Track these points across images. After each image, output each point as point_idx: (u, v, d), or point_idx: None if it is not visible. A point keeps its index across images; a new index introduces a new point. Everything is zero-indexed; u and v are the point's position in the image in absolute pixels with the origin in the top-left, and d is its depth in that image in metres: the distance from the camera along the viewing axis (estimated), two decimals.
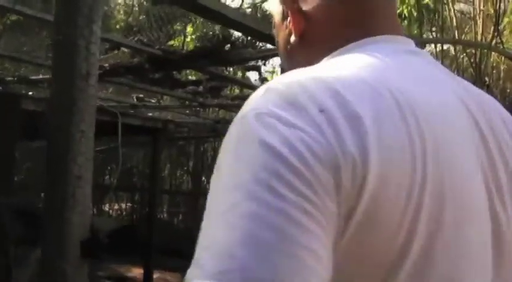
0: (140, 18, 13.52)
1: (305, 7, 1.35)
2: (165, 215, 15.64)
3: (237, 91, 8.84)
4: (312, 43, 1.37)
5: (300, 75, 1.10)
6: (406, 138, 1.04)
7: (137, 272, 11.28)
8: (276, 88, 1.07)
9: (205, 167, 16.65)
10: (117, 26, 14.74)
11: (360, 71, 1.13)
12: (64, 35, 2.40)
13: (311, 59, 1.31)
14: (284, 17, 1.42)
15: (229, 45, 5.21)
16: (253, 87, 7.99)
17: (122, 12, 15.88)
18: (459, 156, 1.13)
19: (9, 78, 7.32)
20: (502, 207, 1.18)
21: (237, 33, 6.42)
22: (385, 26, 1.34)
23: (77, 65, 2.32)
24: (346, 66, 1.16)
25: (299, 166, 0.96)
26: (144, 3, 13.55)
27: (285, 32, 1.43)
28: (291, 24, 1.38)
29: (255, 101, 1.05)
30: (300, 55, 1.41)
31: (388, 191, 0.99)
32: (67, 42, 2.36)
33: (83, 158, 2.28)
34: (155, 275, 11.17)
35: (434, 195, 1.04)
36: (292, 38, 1.39)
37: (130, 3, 14.65)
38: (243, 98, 8.72)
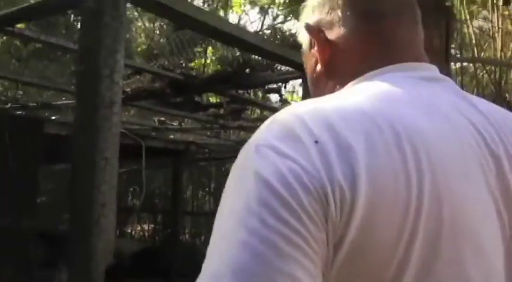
0: (161, 41, 13.54)
1: (330, 36, 1.37)
2: (187, 236, 15.60)
3: (258, 112, 8.84)
4: (336, 71, 1.38)
5: (304, 106, 1.13)
6: (401, 167, 1.04)
7: None
8: (279, 120, 1.10)
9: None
10: (138, 49, 14.78)
11: (363, 101, 1.14)
12: (88, 65, 2.43)
13: (335, 86, 1.36)
14: (311, 46, 1.44)
15: (249, 69, 5.21)
16: (274, 109, 8.02)
17: (142, 35, 15.92)
18: (463, 187, 1.11)
19: (33, 104, 7.36)
20: None
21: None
22: (407, 54, 1.35)
23: (100, 94, 2.35)
24: (353, 96, 1.18)
25: (287, 197, 0.98)
26: (164, 27, 13.57)
27: (311, 60, 1.45)
28: (317, 52, 1.40)
29: (259, 132, 1.09)
30: (325, 82, 1.43)
31: (379, 219, 1.00)
32: (91, 71, 2.39)
33: (107, 186, 2.29)
34: None
35: (431, 225, 1.04)
36: (319, 67, 1.41)
37: (151, 26, 14.68)
38: (263, 119, 8.75)
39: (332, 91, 1.33)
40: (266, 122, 1.10)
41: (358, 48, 1.35)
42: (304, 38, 1.49)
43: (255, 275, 0.95)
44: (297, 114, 1.09)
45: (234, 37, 3.48)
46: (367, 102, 1.14)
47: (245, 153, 1.08)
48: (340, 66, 1.38)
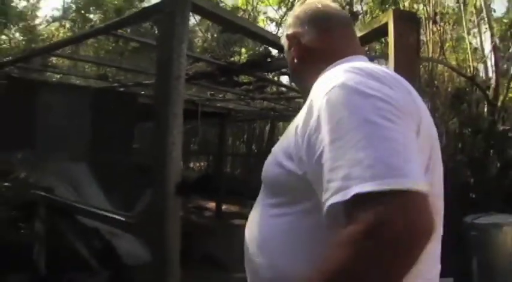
0: (212, 43, 13.53)
1: (303, 41, 1.42)
2: (229, 169, 15.67)
3: (274, 88, 8.84)
4: (309, 63, 1.41)
5: (367, 64, 1.19)
6: (425, 107, 1.18)
7: (211, 205, 11.36)
8: (356, 69, 1.11)
9: (254, 138, 16.69)
10: (197, 45, 14.83)
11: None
12: (164, 51, 2.41)
13: (310, 74, 1.36)
14: (289, 47, 1.48)
15: (269, 58, 5.25)
16: (286, 86, 7.99)
17: (200, 41, 15.90)
18: (434, 132, 1.21)
19: (130, 83, 7.37)
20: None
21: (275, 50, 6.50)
22: (356, 49, 1.43)
23: (171, 71, 2.32)
24: (366, 64, 1.20)
25: (395, 105, 1.03)
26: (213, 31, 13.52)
27: (290, 56, 1.48)
28: (294, 51, 1.45)
29: (342, 77, 1.09)
30: (302, 72, 1.46)
31: (425, 127, 1.11)
32: (165, 56, 2.37)
33: (176, 131, 2.28)
34: (223, 207, 11.26)
35: (432, 142, 1.17)
36: (295, 60, 1.46)
37: (204, 29, 14.58)
38: (279, 93, 8.79)
39: (311, 78, 1.32)
40: (340, 73, 1.12)
41: (324, 46, 1.40)
42: (285, 43, 1.52)
43: (404, 155, 0.97)
44: (365, 66, 1.15)
45: (261, 36, 3.48)
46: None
47: (343, 88, 1.07)
48: (312, 60, 1.41)
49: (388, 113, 1.01)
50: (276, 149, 1.28)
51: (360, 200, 0.92)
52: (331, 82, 1.10)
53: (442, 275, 1.24)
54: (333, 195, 0.96)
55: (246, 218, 1.40)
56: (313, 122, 1.09)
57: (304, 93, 1.42)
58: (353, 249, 0.90)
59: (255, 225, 1.34)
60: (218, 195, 11.12)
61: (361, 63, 1.20)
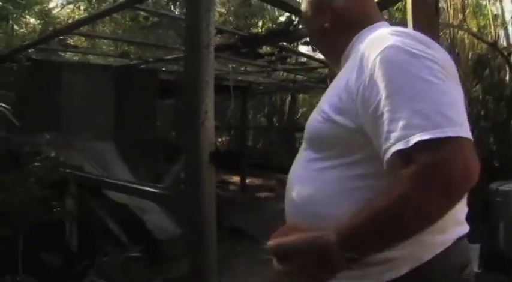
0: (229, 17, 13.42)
1: (336, 5, 1.46)
2: (251, 143, 15.65)
3: (294, 61, 8.79)
4: (343, 28, 1.45)
5: (403, 28, 1.28)
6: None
7: (236, 178, 11.41)
8: (401, 32, 1.21)
9: (275, 111, 16.63)
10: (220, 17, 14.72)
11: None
12: (193, 20, 2.38)
13: (343, 39, 1.45)
14: (317, 12, 1.50)
15: (292, 27, 5.20)
16: (308, 56, 7.91)
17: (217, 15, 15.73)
18: None
19: (151, 59, 7.34)
20: None
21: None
22: (379, 15, 1.51)
23: (201, 39, 2.29)
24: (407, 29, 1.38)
25: (442, 65, 1.15)
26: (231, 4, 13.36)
27: (318, 22, 1.49)
28: (325, 15, 1.47)
29: (391, 39, 1.18)
30: (333, 37, 1.49)
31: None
32: (195, 25, 2.34)
33: (208, 99, 2.26)
34: (247, 180, 11.31)
35: None
36: (326, 25, 1.48)
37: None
38: (300, 64, 8.71)
39: (340, 41, 1.46)
40: (386, 37, 1.21)
41: (355, 11, 1.46)
42: (308, 8, 1.55)
43: (457, 107, 1.11)
44: (412, 31, 1.27)
45: (284, 3, 3.45)
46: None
47: (393, 49, 1.16)
48: (344, 24, 1.46)
49: (438, 72, 1.12)
50: (323, 106, 1.34)
51: (419, 147, 1.04)
52: (381, 43, 1.18)
53: (469, 241, 1.34)
54: (394, 144, 1.08)
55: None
56: (365, 79, 1.18)
57: (333, 58, 1.57)
58: (411, 185, 1.04)
59: (300, 181, 1.40)
60: (241, 168, 11.16)
61: (400, 27, 1.30)
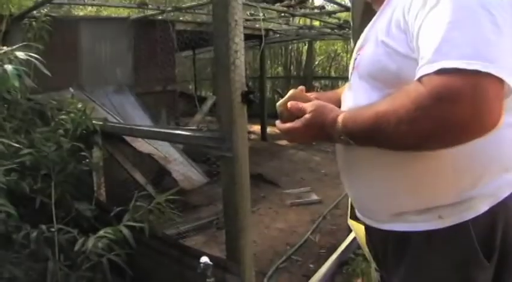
0: None
1: None
2: (269, 92, 15.55)
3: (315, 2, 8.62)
4: None
5: None
6: None
7: (256, 127, 11.42)
8: None
9: (292, 61, 16.46)
10: None
11: None
12: None
13: None
14: None
15: None
16: None
17: None
18: None
19: (169, 9, 7.21)
20: None
21: None
22: None
23: None
24: None
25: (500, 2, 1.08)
26: None
27: None
28: None
29: None
30: None
31: None
32: None
33: (238, 38, 2.22)
34: (268, 129, 11.31)
35: None
36: None
37: None
38: (320, 8, 8.51)
39: None
40: None
41: None
42: None
43: (496, 42, 1.03)
44: None
45: None
46: None
47: None
48: None
49: (492, 8, 1.06)
50: (382, 39, 1.30)
51: (443, 72, 1.01)
52: None
53: None
54: (422, 67, 1.07)
55: None
56: (419, 2, 1.15)
57: None
58: (412, 102, 1.05)
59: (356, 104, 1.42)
60: (261, 118, 11.15)
61: None
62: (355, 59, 1.48)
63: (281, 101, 1.50)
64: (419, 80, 1.06)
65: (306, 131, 1.38)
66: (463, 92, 0.98)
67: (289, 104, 1.44)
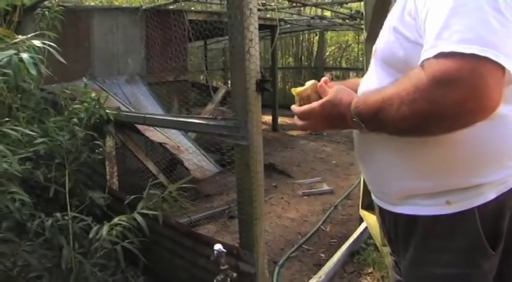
0: None
1: None
2: (280, 83, 15.49)
3: None
4: None
5: None
6: None
7: (267, 117, 11.37)
8: None
9: (303, 51, 16.37)
10: None
11: None
12: None
13: None
14: None
15: None
16: None
17: None
18: None
19: None
20: None
21: None
22: None
23: None
24: None
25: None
26: None
27: None
28: None
29: None
30: None
31: None
32: None
33: (253, 27, 2.21)
34: (279, 120, 11.30)
35: None
36: None
37: None
38: None
39: None
40: None
41: None
42: None
43: (498, 29, 1.02)
44: None
45: None
46: None
47: None
48: None
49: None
50: (394, 25, 1.32)
51: (441, 56, 1.02)
52: None
53: None
54: (424, 52, 1.07)
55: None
56: None
57: None
58: (412, 85, 1.06)
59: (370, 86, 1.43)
60: (273, 108, 11.12)
61: None
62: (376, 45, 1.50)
63: (302, 88, 1.53)
64: (422, 64, 1.08)
65: (321, 111, 1.40)
66: (459, 76, 0.99)
67: (318, 86, 1.48)
